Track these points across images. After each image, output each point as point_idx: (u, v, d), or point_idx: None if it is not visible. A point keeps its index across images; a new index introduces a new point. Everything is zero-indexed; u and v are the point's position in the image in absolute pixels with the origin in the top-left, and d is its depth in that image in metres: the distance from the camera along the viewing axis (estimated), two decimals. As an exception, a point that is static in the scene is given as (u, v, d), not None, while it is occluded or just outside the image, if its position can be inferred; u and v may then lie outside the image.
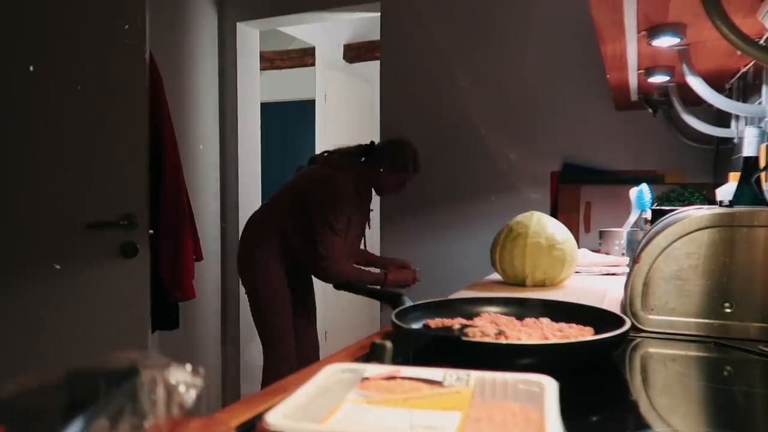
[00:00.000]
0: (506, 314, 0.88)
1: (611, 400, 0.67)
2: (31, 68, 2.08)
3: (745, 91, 1.94)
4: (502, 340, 0.76)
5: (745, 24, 1.25)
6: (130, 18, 2.04)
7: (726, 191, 1.44)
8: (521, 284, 1.32)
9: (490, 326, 0.82)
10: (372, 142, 2.35)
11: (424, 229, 2.81)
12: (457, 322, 0.83)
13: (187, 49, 3.00)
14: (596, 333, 0.76)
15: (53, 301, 2.07)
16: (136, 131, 2.05)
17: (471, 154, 2.74)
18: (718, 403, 0.68)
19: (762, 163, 1.37)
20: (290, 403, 0.44)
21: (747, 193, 1.27)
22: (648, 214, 1.81)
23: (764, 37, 1.40)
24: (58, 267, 2.07)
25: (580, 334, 0.79)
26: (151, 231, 2.11)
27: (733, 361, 0.83)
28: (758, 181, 1.29)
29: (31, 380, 0.36)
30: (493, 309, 0.91)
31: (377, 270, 2.41)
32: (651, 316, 0.91)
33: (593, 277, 1.52)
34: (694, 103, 2.01)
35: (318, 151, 2.87)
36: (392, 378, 0.49)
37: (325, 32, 3.95)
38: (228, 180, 3.21)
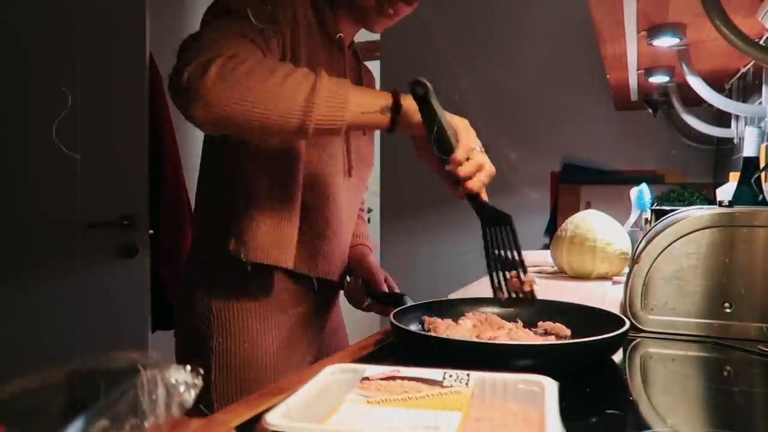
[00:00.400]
0: (500, 315, 0.88)
1: (611, 400, 0.67)
2: (31, 68, 2.08)
3: (745, 91, 1.94)
4: (483, 340, 0.76)
5: (745, 24, 1.25)
6: (130, 18, 2.04)
7: (726, 191, 1.44)
8: (587, 277, 1.43)
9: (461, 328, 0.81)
10: None
11: (423, 229, 2.81)
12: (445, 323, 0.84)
13: (187, 49, 2.99)
14: (595, 334, 0.76)
15: (53, 301, 2.07)
16: (136, 131, 2.05)
17: (471, 154, 2.74)
18: (718, 403, 0.68)
19: (762, 163, 1.37)
20: (290, 403, 0.44)
21: (747, 193, 1.27)
22: (648, 214, 1.81)
23: (764, 37, 1.41)
24: (58, 267, 2.07)
25: (559, 332, 0.79)
26: (151, 231, 2.11)
27: (733, 361, 0.83)
28: (758, 181, 1.29)
29: (31, 380, 0.36)
30: (490, 309, 0.91)
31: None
32: (651, 316, 0.91)
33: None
34: (694, 103, 2.01)
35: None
36: (392, 378, 0.49)
37: (325, 32, 3.93)
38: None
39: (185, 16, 3.00)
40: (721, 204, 1.01)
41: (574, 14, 2.42)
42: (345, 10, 1.06)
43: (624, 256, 1.42)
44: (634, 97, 2.20)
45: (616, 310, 0.92)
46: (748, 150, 1.29)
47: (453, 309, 0.92)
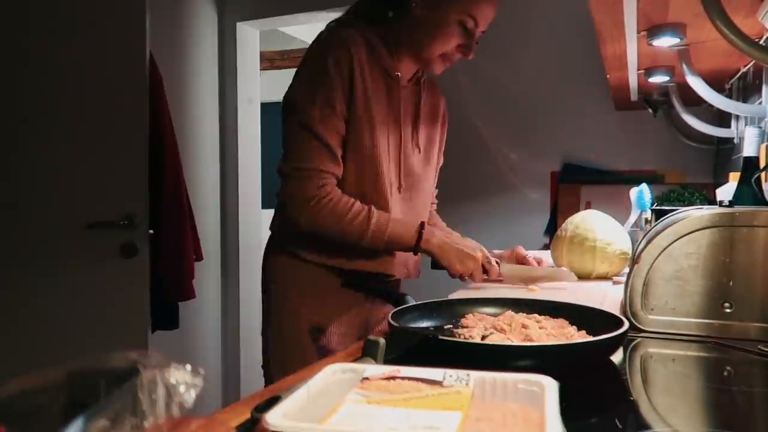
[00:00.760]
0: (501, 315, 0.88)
1: (611, 400, 0.67)
2: (31, 68, 2.08)
3: (745, 91, 1.94)
4: (475, 341, 0.76)
5: (745, 24, 1.25)
6: (130, 18, 2.04)
7: (726, 191, 1.44)
8: (587, 277, 1.42)
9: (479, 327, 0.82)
10: None
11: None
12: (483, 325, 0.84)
13: (187, 49, 2.99)
14: (595, 334, 0.76)
15: (53, 300, 2.07)
16: (136, 131, 2.05)
17: (471, 154, 2.74)
18: (718, 403, 0.68)
19: (762, 163, 1.37)
20: (290, 403, 0.44)
21: (747, 193, 1.27)
22: (648, 214, 1.81)
23: (764, 37, 1.40)
24: (58, 267, 2.07)
25: (564, 334, 0.79)
26: (151, 231, 2.11)
27: (733, 361, 0.83)
28: (758, 181, 1.29)
29: (31, 380, 0.36)
30: (490, 310, 0.91)
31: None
32: (651, 316, 0.91)
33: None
34: (694, 103, 2.01)
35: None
36: (392, 378, 0.49)
37: (325, 32, 3.94)
38: (228, 180, 3.21)
39: (185, 16, 3.01)
40: (721, 204, 1.01)
41: (574, 14, 2.42)
42: (408, 55, 1.30)
43: (624, 256, 1.42)
44: (634, 97, 2.20)
45: (616, 310, 0.92)
46: (748, 150, 1.29)
47: (453, 309, 0.92)
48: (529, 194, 2.67)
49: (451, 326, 0.86)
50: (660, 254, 0.91)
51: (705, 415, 0.66)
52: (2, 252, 2.10)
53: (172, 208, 2.35)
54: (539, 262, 1.41)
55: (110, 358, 0.38)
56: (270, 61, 4.57)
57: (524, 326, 0.80)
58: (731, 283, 0.88)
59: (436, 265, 1.27)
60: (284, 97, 1.27)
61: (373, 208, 1.23)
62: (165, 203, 2.31)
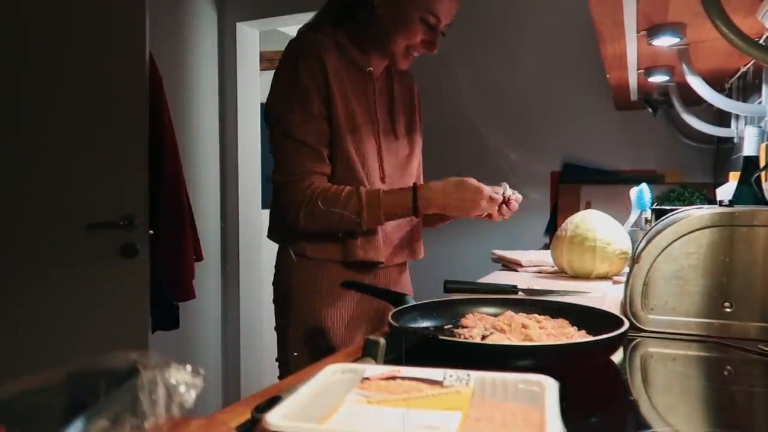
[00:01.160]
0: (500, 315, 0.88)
1: (611, 400, 0.67)
2: (31, 68, 2.08)
3: (745, 90, 1.94)
4: (475, 341, 0.76)
5: (744, 24, 1.25)
6: (130, 18, 2.04)
7: (726, 191, 1.44)
8: (586, 277, 1.44)
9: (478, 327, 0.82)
10: None
11: (423, 230, 2.80)
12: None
13: (187, 49, 2.99)
14: (595, 334, 0.76)
15: (53, 301, 2.07)
16: (136, 131, 2.05)
17: (471, 154, 2.74)
18: (718, 402, 0.68)
19: (762, 163, 1.37)
20: (290, 403, 0.44)
21: (747, 192, 1.27)
22: (648, 214, 1.81)
23: (764, 37, 1.40)
24: (58, 267, 2.07)
25: (564, 334, 0.79)
26: (151, 231, 2.11)
27: (733, 361, 0.83)
28: (758, 180, 1.29)
29: (31, 380, 0.36)
30: (489, 310, 0.91)
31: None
32: (651, 316, 0.91)
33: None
34: (694, 102, 2.01)
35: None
36: (392, 378, 0.49)
37: (325, 32, 3.94)
38: (228, 180, 3.21)
39: (185, 16, 3.01)
40: (721, 204, 1.01)
41: (574, 14, 2.42)
42: (375, 50, 1.34)
43: (624, 255, 1.42)
44: (634, 97, 2.20)
45: (616, 310, 0.92)
46: (748, 149, 1.29)
47: (453, 309, 0.92)
48: (529, 194, 2.67)
49: (451, 326, 0.86)
50: (660, 254, 0.91)
51: (705, 414, 0.66)
52: (2, 252, 2.10)
53: (172, 208, 2.35)
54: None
55: (110, 359, 0.38)
56: (270, 61, 4.57)
57: (524, 326, 0.80)
58: (731, 283, 0.88)
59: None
60: (265, 106, 1.32)
61: (360, 187, 1.25)
62: (165, 203, 2.31)
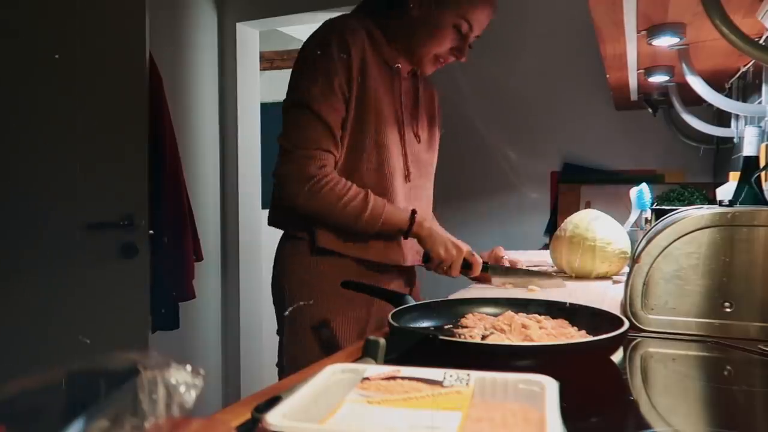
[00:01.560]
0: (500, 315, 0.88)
1: (611, 400, 0.67)
2: (31, 68, 2.08)
3: (745, 90, 1.94)
4: (475, 340, 0.76)
5: (744, 23, 1.25)
6: (130, 18, 2.04)
7: (726, 191, 1.44)
8: (586, 277, 1.43)
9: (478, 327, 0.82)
10: None
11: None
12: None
13: (187, 49, 2.99)
14: (595, 334, 0.76)
15: (53, 301, 2.07)
16: (136, 131, 2.05)
17: (471, 154, 2.74)
18: (718, 402, 0.68)
19: (762, 163, 1.37)
20: (290, 403, 0.44)
21: (747, 192, 1.27)
22: (648, 214, 1.81)
23: (764, 37, 1.40)
24: (58, 267, 2.07)
25: (564, 334, 0.79)
26: (151, 231, 2.11)
27: (733, 361, 0.83)
28: (758, 180, 1.29)
29: (31, 380, 0.36)
30: (490, 310, 0.91)
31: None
32: (651, 316, 0.91)
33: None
34: (694, 102, 2.01)
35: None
36: (392, 378, 0.49)
37: (325, 32, 3.93)
38: (228, 180, 3.21)
39: (185, 16, 3.01)
40: (721, 204, 1.01)
41: (574, 14, 2.42)
42: (402, 52, 1.32)
43: (623, 255, 1.42)
44: (634, 97, 2.20)
45: (616, 310, 0.92)
46: (748, 149, 1.29)
47: (453, 309, 0.92)
48: (529, 194, 2.67)
49: (451, 326, 0.86)
50: (660, 254, 0.91)
51: (705, 414, 0.66)
52: (2, 252, 2.10)
53: (172, 208, 2.35)
54: (513, 264, 1.41)
55: (110, 358, 0.38)
56: (270, 61, 4.57)
57: (524, 326, 0.80)
58: (731, 283, 0.88)
59: (426, 258, 1.31)
60: (291, 73, 1.29)
61: (370, 192, 1.24)
62: (165, 203, 2.31)
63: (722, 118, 2.21)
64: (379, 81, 1.28)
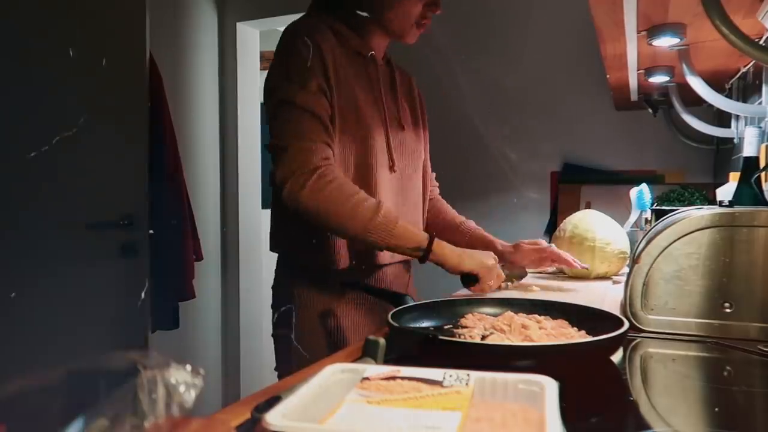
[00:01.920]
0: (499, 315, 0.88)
1: (611, 400, 0.67)
2: (31, 68, 2.08)
3: (745, 91, 1.94)
4: (474, 341, 0.76)
5: (744, 24, 1.25)
6: (130, 18, 2.04)
7: (726, 191, 1.44)
8: (585, 277, 1.44)
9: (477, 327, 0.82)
10: None
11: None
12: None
13: (187, 49, 2.99)
14: (595, 334, 0.76)
15: (53, 300, 2.07)
16: (136, 131, 2.05)
17: (471, 154, 2.74)
18: (718, 403, 0.68)
19: (762, 163, 1.37)
20: (290, 403, 0.44)
21: (747, 193, 1.27)
22: (648, 214, 1.81)
23: (764, 37, 1.40)
24: (58, 267, 2.07)
25: (564, 334, 0.79)
26: (151, 231, 2.11)
27: (733, 361, 0.83)
28: (758, 181, 1.29)
29: (31, 380, 0.36)
30: (490, 310, 0.91)
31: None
32: (651, 316, 0.91)
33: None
34: (694, 103, 2.01)
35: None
36: (392, 378, 0.49)
37: (325, 32, 3.94)
38: (228, 180, 3.21)
39: (185, 16, 3.01)
40: (721, 204, 1.01)
41: (574, 14, 2.42)
42: (378, 32, 1.26)
43: (623, 255, 1.42)
44: (634, 97, 2.20)
45: (616, 310, 0.92)
46: (748, 150, 1.29)
47: (453, 309, 0.92)
48: (529, 194, 2.67)
49: (451, 326, 0.86)
50: (660, 254, 0.91)
51: (705, 415, 0.66)
52: (1, 252, 2.10)
53: (172, 208, 2.35)
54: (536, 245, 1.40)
55: (110, 358, 0.38)
56: (270, 61, 4.57)
57: (524, 326, 0.80)
58: (731, 283, 0.88)
59: (467, 281, 1.17)
60: (263, 89, 1.24)
61: (381, 201, 1.13)
62: (165, 203, 2.31)
63: (722, 118, 2.21)
64: (352, 73, 1.22)
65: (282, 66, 1.19)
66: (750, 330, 0.87)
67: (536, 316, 0.86)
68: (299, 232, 1.22)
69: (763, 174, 1.34)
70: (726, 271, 0.88)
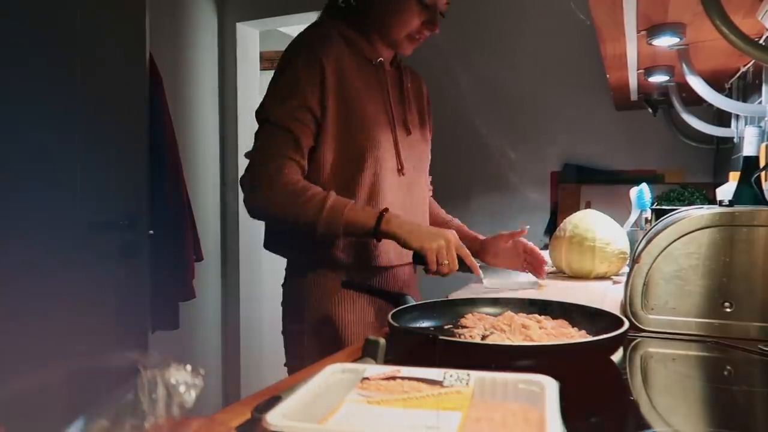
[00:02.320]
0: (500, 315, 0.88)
1: (611, 400, 0.67)
2: (31, 68, 2.08)
3: (745, 90, 1.94)
4: (475, 341, 0.76)
5: (744, 23, 1.25)
6: (130, 18, 2.04)
7: (726, 191, 1.44)
8: (585, 277, 1.44)
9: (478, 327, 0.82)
10: None
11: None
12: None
13: (187, 49, 2.99)
14: (595, 334, 0.76)
15: (53, 300, 2.07)
16: (136, 131, 2.05)
17: (471, 154, 2.74)
18: (718, 402, 0.68)
19: (762, 163, 1.37)
20: (290, 403, 0.44)
21: (747, 192, 1.27)
22: (648, 214, 1.81)
23: (764, 37, 1.40)
24: (58, 267, 2.07)
25: (564, 334, 0.79)
26: (151, 231, 2.11)
27: (733, 361, 0.83)
28: (758, 180, 1.29)
29: (31, 380, 0.36)
30: (490, 310, 0.91)
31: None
32: (651, 316, 0.91)
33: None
34: (694, 102, 2.01)
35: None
36: (392, 378, 0.49)
37: (325, 32, 3.94)
38: (228, 180, 3.21)
39: (185, 16, 3.01)
40: (721, 204, 1.01)
41: (574, 14, 2.42)
42: (380, 40, 1.30)
43: (623, 255, 1.42)
44: (634, 97, 2.20)
45: (616, 310, 0.92)
46: (748, 149, 1.29)
47: (453, 309, 0.92)
48: (529, 194, 2.67)
49: (451, 326, 0.86)
50: (660, 254, 0.91)
51: (705, 415, 0.66)
52: (1, 252, 2.10)
53: (172, 208, 2.35)
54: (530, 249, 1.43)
55: (110, 358, 0.38)
56: (270, 61, 4.57)
57: (524, 326, 0.80)
58: (731, 283, 0.88)
59: (417, 258, 1.18)
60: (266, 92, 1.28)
61: (331, 192, 1.17)
62: (165, 203, 2.31)
63: (722, 118, 2.21)
64: (361, 81, 1.26)
65: (275, 80, 1.24)
66: (750, 329, 0.87)
67: (536, 316, 0.86)
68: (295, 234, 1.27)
69: (763, 174, 1.34)
70: (726, 271, 0.88)
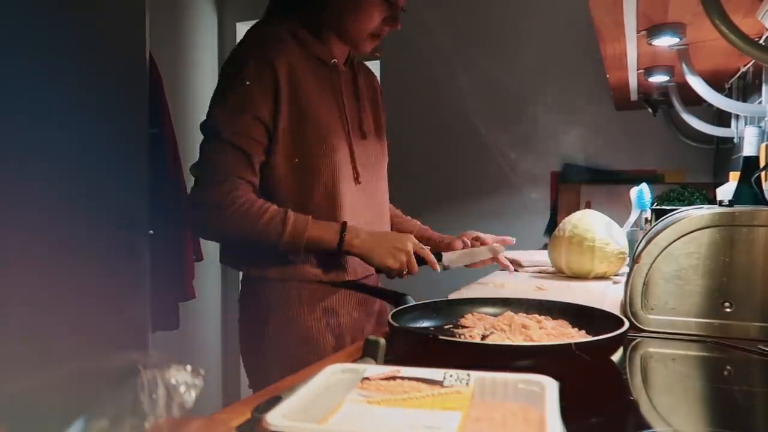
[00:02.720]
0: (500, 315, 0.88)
1: (611, 400, 0.67)
2: (32, 68, 2.08)
3: (745, 90, 1.94)
4: (475, 341, 0.76)
5: (744, 23, 1.25)
6: (130, 18, 2.04)
7: (726, 191, 1.44)
8: (585, 277, 1.43)
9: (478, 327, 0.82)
10: None
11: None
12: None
13: (187, 49, 2.99)
14: (595, 334, 0.76)
15: (53, 300, 2.07)
16: (136, 131, 2.05)
17: (471, 154, 2.74)
18: (718, 402, 0.68)
19: (762, 163, 1.37)
20: (290, 403, 0.44)
21: (747, 192, 1.27)
22: (648, 214, 1.81)
23: (764, 37, 1.41)
24: (58, 267, 2.07)
25: (564, 334, 0.79)
26: (151, 231, 2.11)
27: (733, 361, 0.83)
28: (758, 180, 1.29)
29: (31, 380, 0.36)
30: (489, 310, 0.91)
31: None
32: (651, 316, 0.91)
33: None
34: (694, 102, 2.01)
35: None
36: (392, 378, 0.49)
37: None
38: (228, 180, 3.21)
39: (185, 16, 3.01)
40: (721, 204, 1.01)
41: (574, 14, 2.42)
42: (335, 38, 1.23)
43: (622, 255, 1.42)
44: (634, 97, 2.20)
45: (616, 310, 0.92)
46: (748, 149, 1.29)
47: (453, 309, 0.92)
48: (529, 194, 2.67)
49: (451, 326, 0.86)
50: (660, 254, 0.91)
51: (705, 414, 0.66)
52: (2, 252, 2.10)
53: (172, 208, 2.35)
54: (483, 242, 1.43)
55: (110, 358, 0.38)
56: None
57: (524, 326, 0.80)
58: (731, 283, 0.88)
59: (378, 268, 1.19)
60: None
61: (290, 210, 1.13)
62: (165, 203, 2.31)
63: (722, 118, 2.21)
64: (315, 84, 1.19)
65: (222, 88, 1.16)
66: (750, 329, 0.87)
67: (536, 316, 0.86)
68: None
69: (763, 173, 1.34)
70: (726, 271, 0.88)
